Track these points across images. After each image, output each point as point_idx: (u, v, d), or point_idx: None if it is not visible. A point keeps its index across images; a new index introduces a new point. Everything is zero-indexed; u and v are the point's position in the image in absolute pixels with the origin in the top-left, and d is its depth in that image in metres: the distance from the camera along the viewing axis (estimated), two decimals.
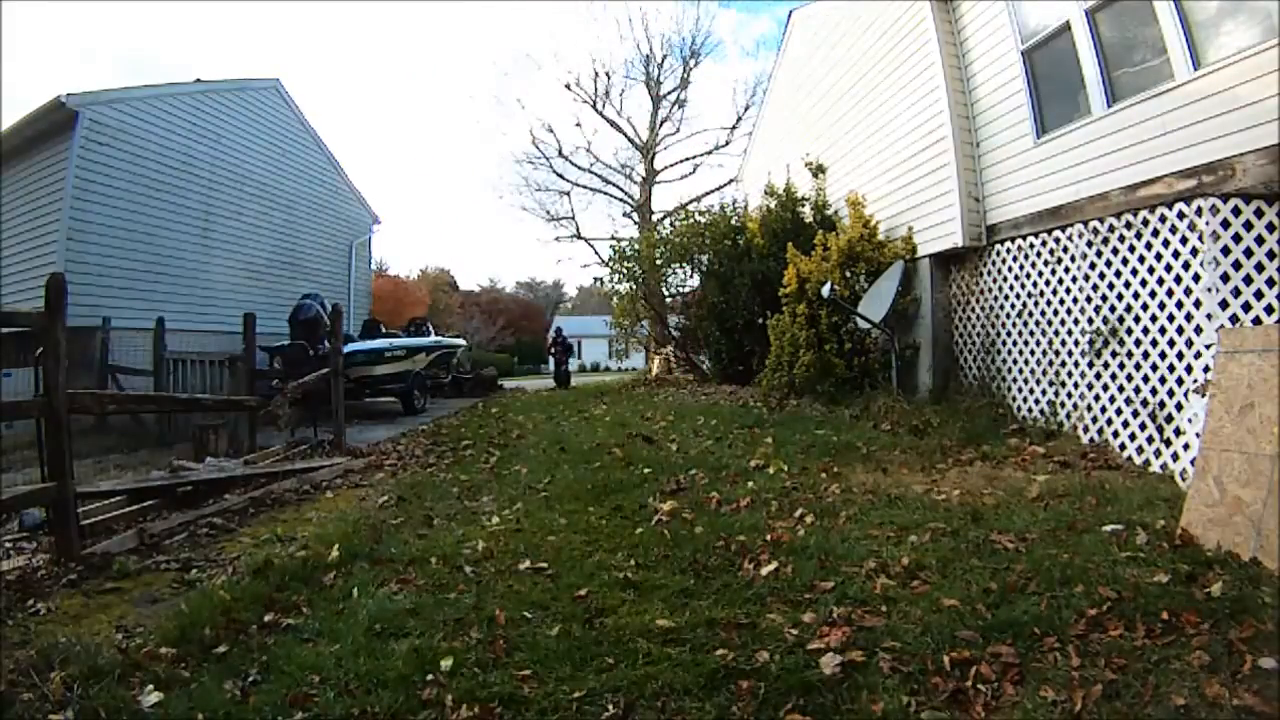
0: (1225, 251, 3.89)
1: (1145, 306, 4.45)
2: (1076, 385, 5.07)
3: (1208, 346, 3.87)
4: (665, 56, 26.12)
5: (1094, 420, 4.86)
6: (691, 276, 12.85)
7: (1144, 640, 2.18)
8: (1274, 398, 2.74)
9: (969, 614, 2.43)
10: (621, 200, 26.75)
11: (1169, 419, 4.20)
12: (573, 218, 26.88)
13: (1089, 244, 4.98)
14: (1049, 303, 5.42)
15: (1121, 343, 4.65)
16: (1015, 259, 5.85)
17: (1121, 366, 4.64)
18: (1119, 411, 4.61)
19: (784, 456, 5.02)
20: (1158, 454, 4.24)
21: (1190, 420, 3.92)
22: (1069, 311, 5.19)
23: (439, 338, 13.80)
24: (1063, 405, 5.22)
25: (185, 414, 7.57)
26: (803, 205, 9.53)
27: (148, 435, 8.51)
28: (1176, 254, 4.19)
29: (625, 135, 26.12)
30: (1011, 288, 5.90)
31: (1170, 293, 4.24)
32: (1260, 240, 3.83)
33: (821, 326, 7.28)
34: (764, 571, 2.96)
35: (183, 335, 10.50)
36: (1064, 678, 2.03)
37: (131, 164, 11.47)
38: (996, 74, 6.03)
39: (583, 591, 2.89)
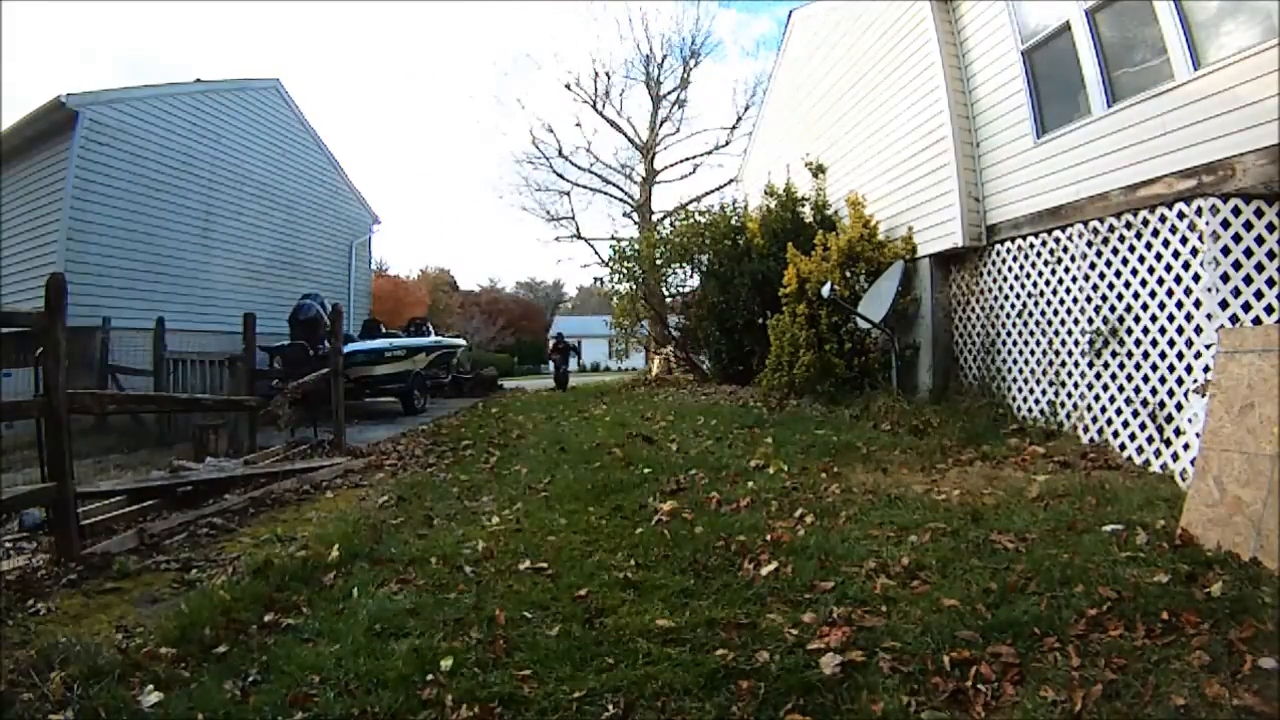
0: (1225, 251, 3.89)
1: (1145, 306, 4.45)
2: (1076, 385, 5.07)
3: (1208, 346, 3.87)
4: (665, 56, 26.21)
5: (1094, 420, 4.86)
6: (691, 276, 12.86)
7: (1144, 640, 2.17)
8: (1274, 398, 2.74)
9: (969, 614, 2.43)
10: (621, 200, 26.80)
11: (1169, 419, 4.20)
12: (573, 218, 26.94)
13: (1089, 244, 4.97)
14: (1049, 303, 5.42)
15: (1121, 343, 4.65)
16: (1015, 259, 5.85)
17: (1121, 366, 4.63)
18: (1119, 411, 4.61)
19: (784, 456, 5.02)
20: (1158, 454, 4.24)
21: (1190, 420, 3.92)
22: (1069, 311, 5.19)
23: (439, 338, 13.81)
24: (1063, 405, 5.22)
25: (185, 414, 7.57)
26: (803, 205, 9.54)
27: (148, 435, 8.51)
28: (1176, 254, 4.19)
29: (625, 135, 26.17)
30: (1011, 288, 5.90)
31: (1170, 293, 4.24)
32: (1260, 240, 3.83)
33: (821, 326, 7.28)
34: (764, 571, 2.96)
35: (183, 335, 10.50)
36: (1064, 678, 2.03)
37: (131, 164, 11.48)
38: (996, 74, 6.03)
39: (583, 591, 2.89)
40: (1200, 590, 2.44)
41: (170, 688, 2.30)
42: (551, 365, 19.41)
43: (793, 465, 4.83)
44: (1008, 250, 5.97)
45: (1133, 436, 4.46)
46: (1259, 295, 3.80)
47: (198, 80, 13.20)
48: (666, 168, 26.42)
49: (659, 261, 12.86)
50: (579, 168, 26.61)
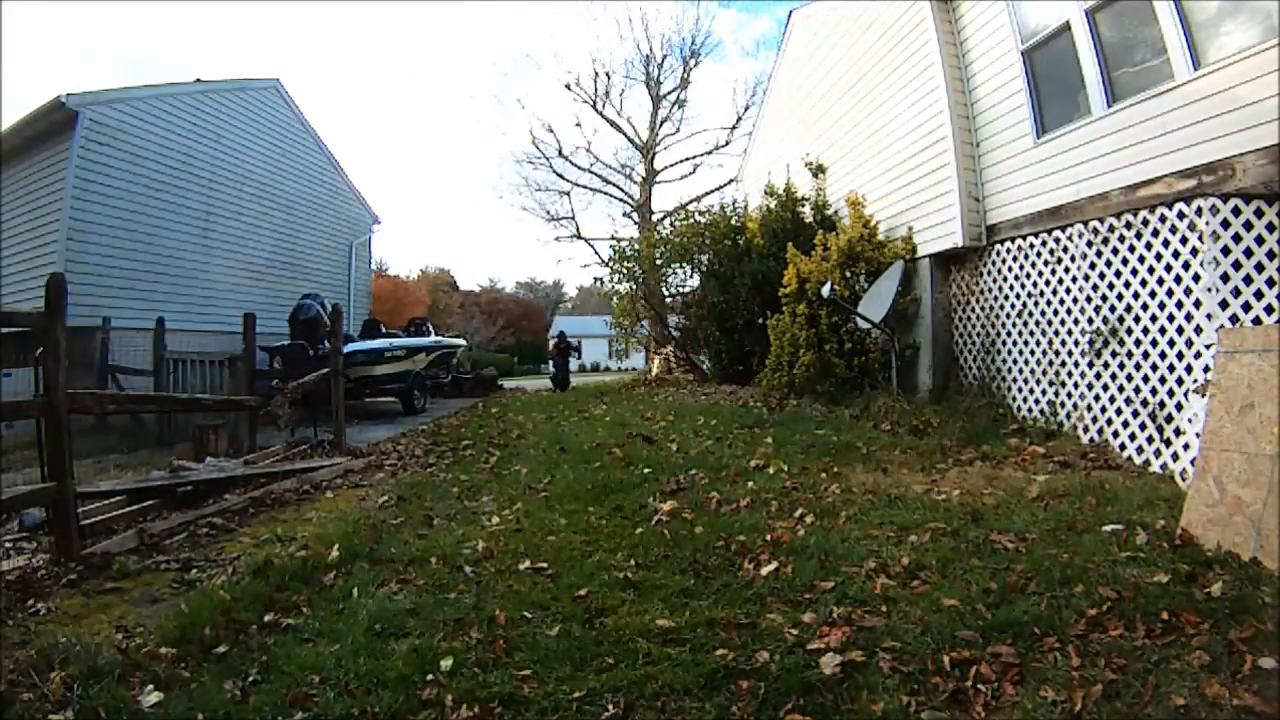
0: (1225, 251, 3.89)
1: (1145, 306, 4.45)
2: (1076, 385, 5.07)
3: (1208, 346, 3.87)
4: (665, 56, 26.21)
5: (1094, 420, 4.86)
6: (691, 276, 12.86)
7: (1144, 640, 2.17)
8: (1274, 398, 2.74)
9: (969, 614, 2.43)
10: (621, 200, 26.79)
11: (1169, 419, 4.20)
12: (573, 218, 26.94)
13: (1089, 244, 4.97)
14: (1049, 303, 5.42)
15: (1121, 343, 4.65)
16: (1015, 259, 5.85)
17: (1121, 366, 4.63)
18: (1119, 411, 4.61)
19: (784, 456, 5.02)
20: (1158, 454, 4.24)
21: (1190, 420, 3.92)
22: (1069, 311, 5.19)
23: (439, 338, 13.81)
24: (1063, 405, 5.21)
25: (185, 414, 7.57)
26: (803, 205, 9.53)
27: (148, 435, 8.51)
28: (1176, 254, 4.19)
29: (625, 135, 26.16)
30: (1011, 288, 5.90)
31: (1170, 293, 4.24)
32: (1260, 240, 3.83)
33: (821, 326, 7.28)
34: (764, 571, 2.96)
35: (183, 335, 10.50)
36: (1064, 678, 2.03)
37: (131, 164, 11.48)
38: (996, 74, 6.03)
39: (583, 591, 2.89)
40: (1200, 590, 2.44)
41: (170, 688, 2.30)
42: (551, 366, 19.37)
43: (793, 465, 4.83)
44: (1008, 250, 5.97)
45: (1133, 436, 4.46)
46: (1259, 295, 3.80)
47: (198, 80, 13.20)
48: (666, 168, 26.46)
49: (659, 261, 12.86)
50: (579, 168, 26.65)
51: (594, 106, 25.84)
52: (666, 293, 14.12)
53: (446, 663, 2.32)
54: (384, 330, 12.85)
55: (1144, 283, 4.46)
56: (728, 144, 25.22)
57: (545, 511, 4.25)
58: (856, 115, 8.40)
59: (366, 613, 2.77)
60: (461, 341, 15.93)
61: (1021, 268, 5.77)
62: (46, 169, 10.92)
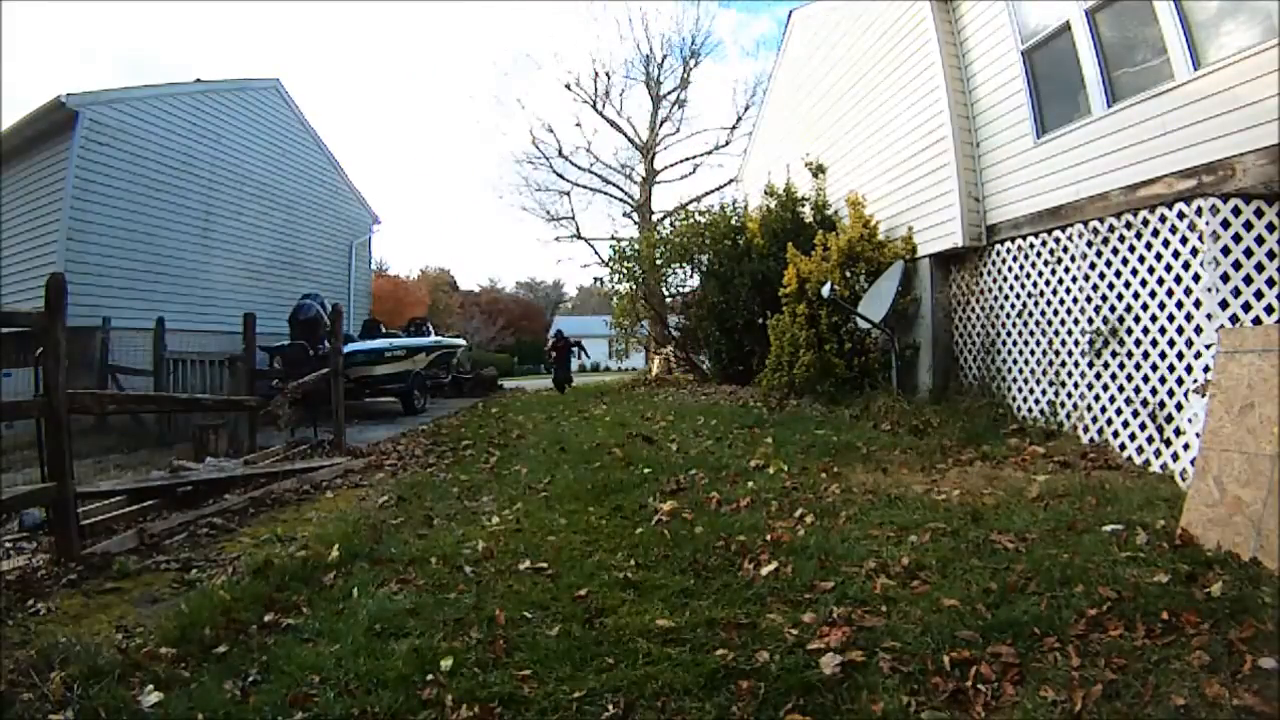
0: (1225, 251, 3.89)
1: (1145, 306, 4.45)
2: (1076, 385, 5.07)
3: (1208, 346, 3.87)
4: (665, 56, 26.24)
5: (1094, 420, 4.86)
6: (691, 276, 12.86)
7: (1144, 640, 2.17)
8: (1274, 398, 2.74)
9: (969, 614, 2.43)
10: (621, 200, 26.79)
11: (1169, 419, 4.20)
12: (573, 218, 26.93)
13: (1089, 244, 4.97)
14: (1049, 303, 5.42)
15: (1121, 343, 4.65)
16: (1015, 259, 5.85)
17: (1121, 366, 4.63)
18: (1119, 411, 4.61)
19: (784, 456, 5.02)
20: (1158, 454, 4.24)
21: (1190, 420, 3.92)
22: (1069, 311, 5.19)
23: (439, 338, 13.82)
24: (1063, 405, 5.21)
25: (185, 414, 7.57)
26: (803, 205, 9.54)
27: (148, 435, 8.51)
28: (1176, 254, 4.19)
29: (625, 135, 26.16)
30: (1011, 288, 5.90)
31: (1170, 293, 4.24)
32: (1260, 240, 3.83)
33: (821, 326, 7.28)
34: (764, 571, 2.96)
35: (183, 335, 10.50)
36: (1064, 678, 2.03)
37: (131, 164, 11.48)
38: (996, 74, 6.03)
39: (583, 591, 2.89)
40: (1200, 590, 2.44)
41: (170, 688, 2.30)
42: (551, 367, 19.32)
43: (793, 465, 4.83)
44: (1008, 250, 5.97)
45: (1133, 436, 4.46)
46: (1259, 295, 3.80)
47: (198, 80, 13.21)
48: (666, 168, 26.46)
49: (659, 261, 12.86)
50: (579, 168, 26.65)
51: (594, 106, 25.87)
52: (666, 293, 14.13)
53: (446, 663, 2.32)
54: (384, 330, 12.86)
55: (1144, 283, 4.46)
56: (728, 144, 25.27)
57: (545, 511, 4.25)
58: (856, 115, 8.40)
59: (366, 613, 2.77)
60: (461, 341, 15.94)
61: (1021, 268, 5.76)
62: (46, 169, 10.92)
